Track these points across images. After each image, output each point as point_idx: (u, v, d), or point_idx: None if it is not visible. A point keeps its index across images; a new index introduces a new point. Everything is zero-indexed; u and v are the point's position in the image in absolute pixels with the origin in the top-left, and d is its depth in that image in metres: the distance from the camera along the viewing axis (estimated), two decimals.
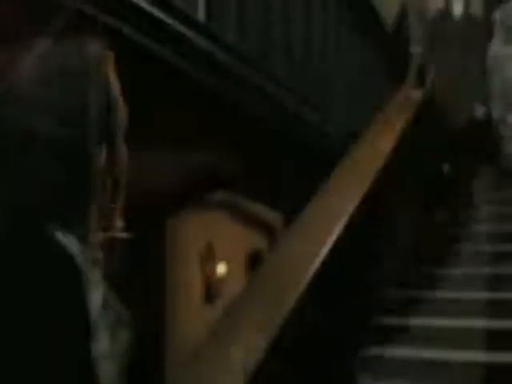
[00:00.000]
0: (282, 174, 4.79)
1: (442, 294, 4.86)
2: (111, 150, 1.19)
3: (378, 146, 5.10)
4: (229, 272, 7.32)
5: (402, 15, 8.20)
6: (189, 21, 3.23)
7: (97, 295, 1.20)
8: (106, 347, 1.14)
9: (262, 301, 3.14)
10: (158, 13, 3.05)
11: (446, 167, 6.35)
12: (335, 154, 5.00)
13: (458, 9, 6.15)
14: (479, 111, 6.14)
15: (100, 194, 1.22)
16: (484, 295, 4.69)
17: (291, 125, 4.46)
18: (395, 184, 5.32)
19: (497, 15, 7.70)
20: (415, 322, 4.49)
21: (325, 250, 3.47)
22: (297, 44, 4.72)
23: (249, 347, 2.76)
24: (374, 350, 4.16)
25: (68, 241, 1.18)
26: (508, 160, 7.60)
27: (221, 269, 7.32)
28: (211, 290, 7.19)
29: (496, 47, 7.69)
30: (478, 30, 6.21)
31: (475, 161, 6.40)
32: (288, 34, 4.57)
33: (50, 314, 1.12)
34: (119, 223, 1.30)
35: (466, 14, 6.21)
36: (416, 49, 7.27)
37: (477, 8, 7.58)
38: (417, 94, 6.25)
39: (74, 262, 1.18)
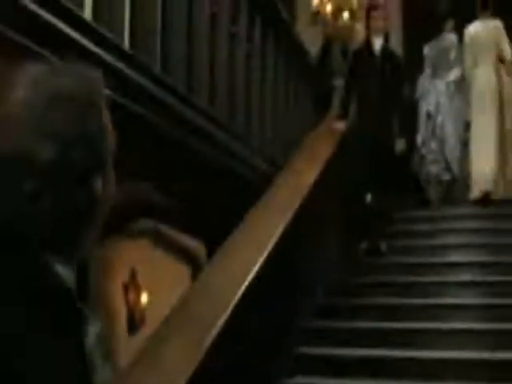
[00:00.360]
0: (207, 203, 4.81)
1: (355, 323, 4.99)
2: (103, 177, 1.21)
3: (302, 176, 5.17)
4: (152, 300, 7.28)
5: (326, 48, 8.37)
6: (117, 51, 3.25)
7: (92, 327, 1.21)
8: None
9: (183, 332, 3.15)
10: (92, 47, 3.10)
11: (368, 197, 6.48)
12: (261, 184, 5.06)
13: (378, 44, 6.38)
14: (400, 143, 6.32)
15: (95, 221, 1.22)
16: (386, 325, 4.90)
17: (217, 155, 4.49)
18: (319, 214, 5.40)
19: (425, 51, 8.12)
20: (329, 351, 4.61)
21: (247, 281, 3.50)
22: (221, 76, 4.78)
23: (170, 377, 2.77)
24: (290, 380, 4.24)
25: (65, 272, 1.18)
26: (427, 183, 7.88)
27: (144, 297, 7.28)
28: (135, 318, 7.14)
29: (424, 80, 8.08)
30: (397, 65, 6.44)
31: (397, 192, 6.54)
32: (213, 66, 4.62)
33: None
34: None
35: (386, 49, 6.43)
36: (339, 81, 7.42)
37: (396, 45, 7.92)
38: (341, 126, 6.37)
39: (71, 294, 1.17)
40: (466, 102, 7.61)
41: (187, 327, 3.17)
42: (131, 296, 7.12)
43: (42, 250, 1.15)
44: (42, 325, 1.09)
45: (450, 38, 8.00)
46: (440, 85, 7.91)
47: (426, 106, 7.89)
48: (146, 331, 6.86)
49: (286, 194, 4.79)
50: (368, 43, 6.48)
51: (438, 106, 7.82)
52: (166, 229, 6.08)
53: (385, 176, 6.25)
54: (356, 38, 8.79)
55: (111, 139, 1.22)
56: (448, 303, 5.13)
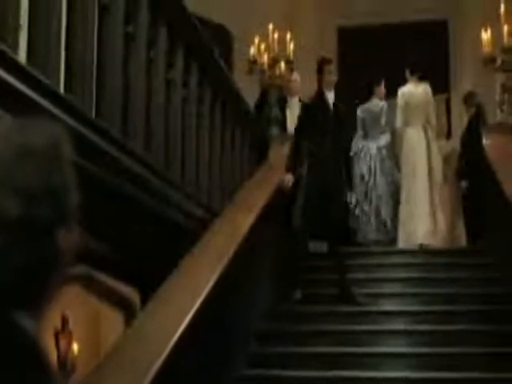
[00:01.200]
0: (141, 249, 4.78)
1: (287, 372, 4.99)
2: (66, 228, 1.21)
3: (237, 224, 5.19)
4: (84, 347, 7.16)
5: (263, 96, 8.46)
6: (52, 94, 3.24)
7: None
8: None
9: (116, 379, 3.10)
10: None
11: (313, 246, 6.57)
12: (196, 231, 5.05)
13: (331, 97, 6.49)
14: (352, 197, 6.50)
15: (60, 272, 1.22)
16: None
17: (152, 201, 4.48)
18: (253, 261, 5.41)
19: (358, 112, 8.48)
20: None
21: (181, 328, 3.48)
22: (157, 123, 4.78)
23: None
24: None
25: (31, 324, 1.17)
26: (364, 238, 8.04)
27: (76, 344, 7.16)
28: (66, 365, 7.01)
29: (357, 140, 8.45)
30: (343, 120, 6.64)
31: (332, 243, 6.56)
32: (148, 111, 4.63)
33: None
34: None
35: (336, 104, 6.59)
36: (275, 129, 7.50)
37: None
38: (289, 178, 6.40)
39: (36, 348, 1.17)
40: (396, 164, 8.10)
41: (119, 374, 3.13)
42: (62, 343, 7.00)
43: (9, 306, 1.15)
44: None
45: (381, 103, 8.38)
46: (372, 148, 8.28)
47: (359, 168, 8.19)
48: (77, 378, 6.73)
49: (221, 242, 4.80)
50: (322, 97, 6.54)
51: (370, 169, 8.18)
52: (99, 275, 6.00)
53: (329, 227, 6.32)
54: (294, 87, 8.93)
55: (74, 192, 1.25)
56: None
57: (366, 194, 8.12)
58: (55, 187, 1.20)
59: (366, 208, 8.09)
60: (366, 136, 8.39)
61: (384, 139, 8.28)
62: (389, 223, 8.01)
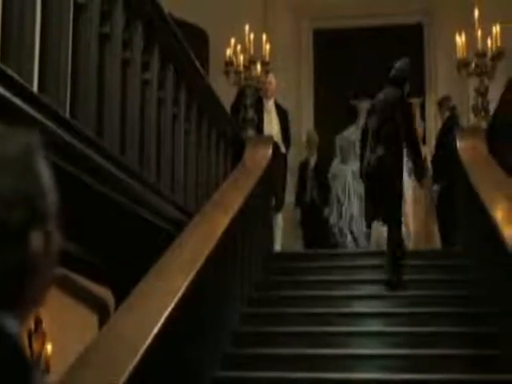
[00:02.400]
0: (116, 250, 4.77)
1: (260, 374, 5.00)
2: (45, 235, 1.25)
3: (211, 225, 5.19)
4: (58, 348, 7.13)
5: (239, 98, 8.46)
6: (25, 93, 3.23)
7: None
8: None
9: (91, 379, 3.10)
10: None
11: None
12: (172, 231, 5.05)
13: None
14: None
15: (41, 274, 1.26)
16: None
17: (127, 203, 4.47)
18: (228, 263, 5.41)
19: (336, 140, 9.58)
20: None
21: (156, 329, 3.47)
22: (132, 123, 4.77)
23: None
24: None
25: (14, 326, 1.21)
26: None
27: (50, 345, 7.11)
28: (39, 366, 6.96)
29: (335, 164, 9.55)
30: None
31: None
32: (124, 113, 4.62)
33: None
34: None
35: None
36: (250, 131, 7.52)
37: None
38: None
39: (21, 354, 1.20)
40: None
41: (95, 373, 3.12)
42: (36, 344, 6.95)
43: None
44: None
45: (357, 132, 9.03)
46: (347, 171, 9.36)
47: (335, 190, 9.34)
48: (51, 379, 6.69)
49: (196, 242, 4.80)
50: None
51: (344, 190, 9.29)
52: (73, 276, 5.98)
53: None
54: (270, 89, 8.95)
55: (52, 196, 1.28)
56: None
57: (340, 214, 9.22)
58: (29, 192, 1.23)
59: (340, 225, 9.20)
60: (343, 161, 9.54)
61: (358, 164, 8.85)
62: (361, 239, 8.96)
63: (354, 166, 9.08)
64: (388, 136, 6.52)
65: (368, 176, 6.64)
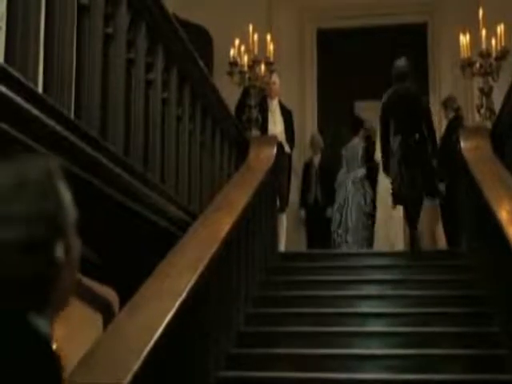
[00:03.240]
0: (120, 251, 4.77)
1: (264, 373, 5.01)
2: (66, 246, 1.43)
3: (215, 226, 5.19)
4: (62, 348, 7.12)
5: (244, 98, 8.46)
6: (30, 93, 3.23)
7: None
8: None
9: (95, 379, 3.10)
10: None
11: None
12: (176, 232, 5.05)
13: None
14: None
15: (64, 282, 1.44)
16: None
17: (132, 203, 4.47)
18: (230, 264, 5.41)
19: (342, 151, 9.78)
20: None
21: (160, 329, 3.47)
22: (137, 123, 4.78)
23: None
24: None
25: (45, 325, 1.39)
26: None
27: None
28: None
29: (341, 174, 9.71)
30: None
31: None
32: (129, 113, 4.63)
33: None
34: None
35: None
36: (254, 131, 7.51)
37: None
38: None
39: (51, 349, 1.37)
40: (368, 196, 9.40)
41: (99, 373, 3.13)
42: None
43: (25, 308, 1.38)
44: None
45: (360, 144, 9.67)
46: (349, 179, 9.56)
47: (338, 198, 9.54)
48: None
49: (200, 243, 4.79)
50: None
51: (345, 200, 9.45)
52: (78, 276, 5.98)
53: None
54: (274, 89, 8.95)
55: (72, 211, 1.48)
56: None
57: (340, 222, 9.39)
58: (51, 212, 1.42)
59: (340, 231, 9.39)
60: (347, 171, 9.69)
61: (360, 172, 9.55)
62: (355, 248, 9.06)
63: (356, 173, 9.55)
64: (416, 126, 7.30)
65: (404, 158, 7.25)
